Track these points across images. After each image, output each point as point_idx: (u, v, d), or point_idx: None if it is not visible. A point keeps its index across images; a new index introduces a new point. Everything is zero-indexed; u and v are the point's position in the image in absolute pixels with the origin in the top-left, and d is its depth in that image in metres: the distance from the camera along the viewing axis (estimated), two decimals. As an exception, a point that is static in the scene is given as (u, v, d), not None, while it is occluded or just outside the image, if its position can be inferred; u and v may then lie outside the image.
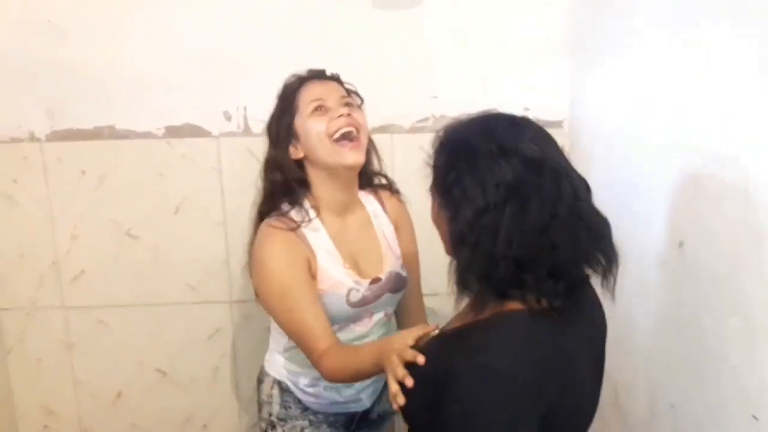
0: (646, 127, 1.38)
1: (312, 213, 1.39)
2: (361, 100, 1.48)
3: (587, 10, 1.70)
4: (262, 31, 1.79)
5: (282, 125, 1.38)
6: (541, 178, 0.90)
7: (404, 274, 1.49)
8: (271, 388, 1.49)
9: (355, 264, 1.42)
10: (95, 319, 1.95)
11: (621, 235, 1.50)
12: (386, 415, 1.60)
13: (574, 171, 0.98)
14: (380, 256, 1.46)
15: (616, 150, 1.54)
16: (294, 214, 1.38)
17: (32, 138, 1.84)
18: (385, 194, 1.55)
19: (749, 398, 1.03)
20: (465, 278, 0.93)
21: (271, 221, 1.37)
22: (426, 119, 1.85)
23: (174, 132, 1.83)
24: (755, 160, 0.99)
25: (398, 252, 1.50)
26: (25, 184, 1.86)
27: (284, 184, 1.39)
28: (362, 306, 1.41)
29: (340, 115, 1.33)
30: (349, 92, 1.44)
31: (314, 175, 1.39)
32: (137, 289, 1.93)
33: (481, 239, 0.90)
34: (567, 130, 1.85)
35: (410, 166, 1.81)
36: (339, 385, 1.44)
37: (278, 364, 1.50)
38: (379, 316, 1.47)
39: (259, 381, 1.54)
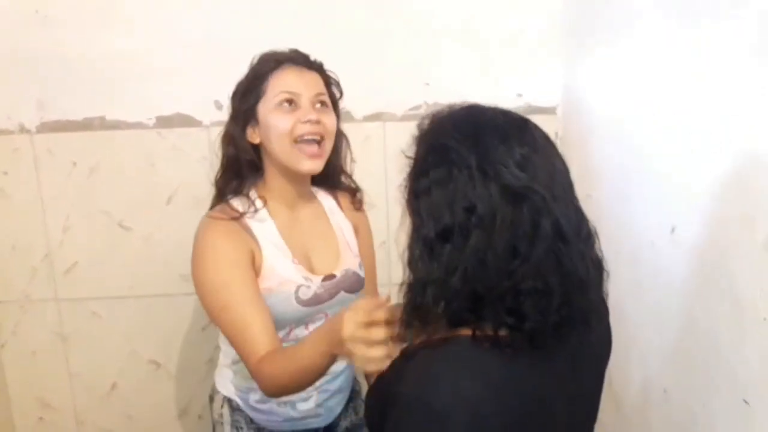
0: (638, 113, 1.37)
1: (259, 203, 1.27)
2: (340, 93, 1.36)
3: (580, -5, 1.69)
4: (252, 18, 1.77)
5: (244, 104, 1.25)
6: (519, 213, 0.78)
7: (362, 274, 1.37)
8: (221, 406, 1.38)
9: (306, 259, 1.29)
10: (89, 311, 1.94)
11: (613, 221, 1.50)
12: (354, 428, 1.46)
13: (572, 206, 0.87)
14: (336, 252, 1.34)
15: (609, 136, 1.53)
16: (237, 203, 1.26)
17: (22, 129, 1.82)
18: (343, 197, 1.44)
19: (740, 383, 1.02)
20: (417, 296, 0.83)
21: (211, 212, 1.26)
22: (419, 107, 1.83)
23: (164, 122, 1.82)
24: (748, 145, 0.98)
25: (356, 251, 1.39)
26: (16, 177, 1.85)
27: (237, 161, 1.28)
28: (315, 305, 1.28)
29: (308, 120, 1.21)
30: (328, 85, 1.32)
31: (267, 163, 1.28)
32: (130, 281, 1.92)
33: (439, 263, 0.80)
34: (560, 116, 1.83)
35: (402, 154, 1.83)
36: (294, 398, 1.30)
37: (227, 379, 1.38)
38: (333, 312, 1.30)
39: (210, 398, 1.43)
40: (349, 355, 0.90)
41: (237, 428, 1.35)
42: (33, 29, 1.76)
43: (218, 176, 1.33)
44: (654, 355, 1.34)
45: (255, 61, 1.30)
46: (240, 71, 1.76)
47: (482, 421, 0.78)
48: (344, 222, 1.41)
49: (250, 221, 1.25)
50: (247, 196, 1.27)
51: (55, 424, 2.03)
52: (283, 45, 1.76)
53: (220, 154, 1.35)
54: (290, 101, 1.23)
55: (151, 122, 1.83)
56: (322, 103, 1.27)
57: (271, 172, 1.28)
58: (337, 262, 1.34)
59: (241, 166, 1.27)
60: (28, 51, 1.77)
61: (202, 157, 1.84)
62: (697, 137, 1.13)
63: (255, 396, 1.33)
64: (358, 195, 1.44)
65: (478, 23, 1.80)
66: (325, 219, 1.38)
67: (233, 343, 1.18)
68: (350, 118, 1.81)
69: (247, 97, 1.25)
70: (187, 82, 1.80)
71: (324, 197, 1.41)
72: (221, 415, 1.38)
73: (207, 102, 1.82)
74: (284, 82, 1.23)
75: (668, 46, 1.23)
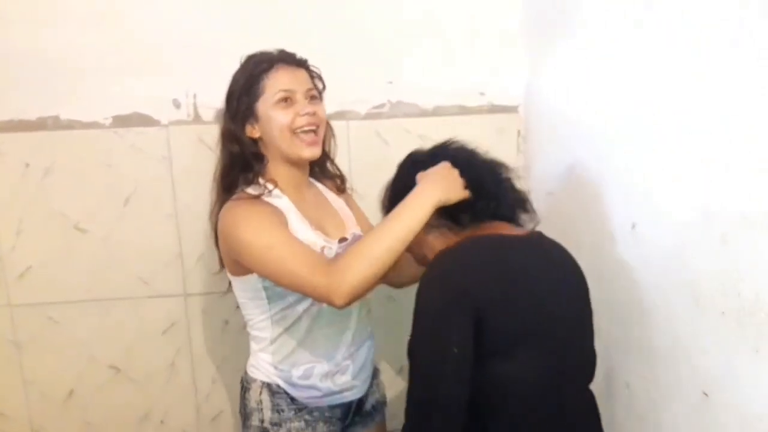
0: (599, 111, 1.39)
1: (270, 185, 1.37)
2: (324, 85, 1.47)
3: (540, -5, 1.70)
4: (211, 15, 1.74)
5: (243, 103, 1.36)
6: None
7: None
8: (260, 393, 1.42)
9: (321, 227, 1.40)
10: (44, 316, 1.88)
11: (575, 217, 1.52)
12: (378, 406, 1.58)
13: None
14: (341, 221, 1.48)
15: (570, 134, 1.55)
16: (252, 190, 1.36)
17: (-28, 129, 1.76)
18: (329, 183, 1.55)
19: (700, 376, 1.05)
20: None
21: (234, 197, 1.35)
22: (382, 105, 1.83)
23: (121, 121, 1.78)
24: (706, 141, 1.00)
25: (354, 221, 1.52)
26: (-34, 178, 1.79)
27: (242, 156, 1.37)
28: None
29: (306, 113, 1.34)
30: (314, 79, 1.43)
31: (269, 155, 1.39)
32: (87, 285, 1.87)
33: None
34: (522, 115, 1.85)
35: (366, 153, 1.83)
36: (333, 371, 1.41)
37: (265, 364, 1.42)
38: None
39: (244, 389, 1.46)
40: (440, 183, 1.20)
41: (278, 411, 1.40)
42: (-17, 26, 1.70)
43: (221, 173, 1.41)
44: (616, 349, 1.35)
45: (246, 63, 1.40)
46: (198, 69, 1.75)
47: (479, 284, 1.11)
48: (337, 200, 1.54)
49: (269, 199, 1.36)
50: (259, 183, 1.37)
51: (9, 433, 1.97)
52: (242, 43, 1.74)
53: (219, 152, 1.42)
54: (287, 98, 1.34)
55: (108, 122, 1.78)
56: (313, 96, 1.39)
57: (273, 162, 1.39)
58: (345, 228, 1.46)
59: (246, 160, 1.38)
60: (-23, 49, 1.72)
61: (162, 156, 1.80)
62: (656, 135, 1.15)
63: (297, 372, 1.40)
64: (343, 181, 1.55)
65: (440, 22, 1.80)
66: (323, 198, 1.51)
67: (290, 277, 1.22)
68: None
69: (245, 97, 1.36)
70: (145, 80, 1.76)
71: (314, 181, 1.52)
72: (260, 402, 1.41)
73: (165, 101, 1.78)
74: (281, 81, 1.35)
75: (629, 45, 1.25)
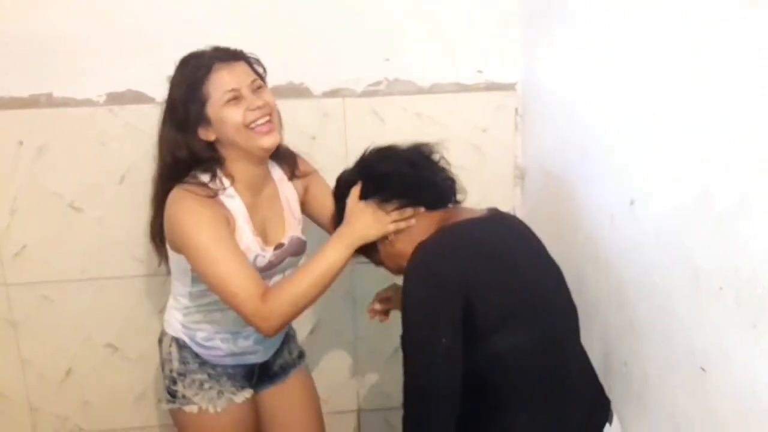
0: (596, 89, 1.38)
1: (227, 182, 1.39)
2: (264, 69, 1.46)
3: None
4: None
5: (192, 110, 1.35)
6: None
7: (304, 238, 1.54)
8: (170, 345, 1.52)
9: (262, 231, 1.45)
10: (40, 295, 1.88)
11: (573, 196, 1.51)
12: (288, 366, 1.65)
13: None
14: (282, 222, 1.50)
15: (568, 112, 1.54)
16: (205, 178, 1.38)
17: (-37, 107, 1.74)
18: (287, 164, 1.55)
19: (697, 351, 1.04)
20: None
21: (186, 186, 1.36)
22: (379, 83, 1.81)
23: (116, 99, 1.76)
24: (704, 119, 0.99)
25: (299, 216, 1.55)
26: (-42, 156, 1.77)
27: (190, 161, 1.38)
28: (267, 271, 1.44)
29: (256, 107, 1.35)
30: (253, 67, 1.42)
31: (227, 155, 1.40)
32: (83, 264, 1.86)
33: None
34: (520, 93, 1.83)
35: (362, 131, 1.81)
36: (235, 335, 1.49)
37: (176, 321, 1.51)
38: (277, 279, 1.48)
39: (159, 341, 1.57)
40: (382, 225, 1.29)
41: (184, 362, 1.50)
42: (-27, 2, 1.68)
43: (164, 176, 1.41)
44: (614, 327, 1.36)
45: (182, 68, 1.39)
46: (191, 45, 1.71)
47: (465, 268, 1.17)
48: (290, 190, 1.55)
49: (221, 196, 1.38)
50: (216, 175, 1.38)
51: (7, 412, 1.97)
52: (236, 18, 1.73)
53: (158, 156, 1.42)
54: (235, 97, 1.34)
55: (102, 99, 1.76)
56: (258, 86, 1.39)
57: (232, 160, 1.40)
58: (284, 231, 1.49)
59: (197, 163, 1.38)
60: (-32, 25, 1.70)
61: (156, 134, 1.78)
62: (654, 112, 1.14)
63: (201, 334, 1.49)
64: (293, 165, 1.56)
65: (439, 0, 1.77)
66: (276, 196, 1.52)
67: (226, 293, 1.29)
68: (309, 94, 1.79)
69: (192, 103, 1.35)
70: (138, 57, 1.74)
71: (273, 167, 1.53)
72: (169, 353, 1.52)
73: (159, 78, 1.73)
74: (223, 82, 1.34)
75: (624, 24, 1.23)
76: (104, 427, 2.01)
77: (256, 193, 1.45)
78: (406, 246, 1.27)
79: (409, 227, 1.30)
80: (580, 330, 1.33)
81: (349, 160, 1.64)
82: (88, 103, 1.76)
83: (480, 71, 1.82)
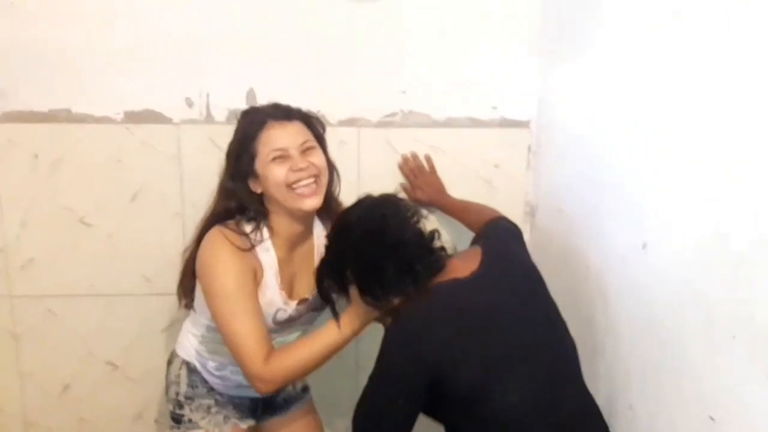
0: (612, 128, 1.39)
1: (266, 233, 1.43)
2: (323, 128, 1.49)
3: (558, 11, 1.71)
4: (227, 16, 1.74)
5: (242, 163, 1.40)
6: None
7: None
8: (180, 368, 1.54)
9: (289, 286, 1.47)
10: (44, 308, 1.87)
11: (584, 235, 1.51)
12: (291, 398, 1.68)
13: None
14: (311, 277, 1.47)
15: (582, 151, 1.55)
16: (249, 231, 1.41)
17: (-18, 118, 1.76)
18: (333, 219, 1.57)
19: (707, 399, 1.04)
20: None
21: (225, 231, 1.39)
22: (394, 114, 1.83)
23: (133, 118, 1.78)
24: (722, 162, 1.00)
25: None
26: (-27, 167, 1.78)
27: (238, 211, 1.43)
28: (286, 324, 1.49)
29: (299, 169, 1.37)
30: (311, 126, 1.45)
31: (272, 209, 1.43)
32: (89, 279, 1.86)
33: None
34: (534, 130, 1.85)
35: (376, 161, 1.83)
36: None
37: (190, 346, 1.54)
38: (295, 334, 1.54)
39: (169, 362, 1.59)
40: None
41: (192, 387, 1.52)
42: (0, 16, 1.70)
43: (209, 220, 1.44)
44: (621, 370, 1.35)
45: (240, 120, 1.45)
46: (212, 69, 1.76)
47: (441, 334, 1.22)
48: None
49: (257, 248, 1.41)
50: (258, 226, 1.42)
51: (2, 426, 1.95)
52: (256, 46, 1.75)
53: (214, 201, 1.47)
54: (280, 156, 1.37)
55: (119, 117, 1.78)
56: (308, 147, 1.41)
57: (275, 215, 1.43)
58: (310, 286, 1.47)
59: (243, 212, 1.43)
60: (-8, 38, 1.72)
61: (172, 155, 1.80)
62: (670, 154, 1.14)
63: (213, 364, 1.52)
64: None
65: (456, 35, 1.80)
66: (311, 249, 1.53)
67: (234, 348, 1.33)
68: (325, 122, 1.79)
69: (242, 157, 1.40)
70: (158, 77, 1.76)
71: (316, 222, 1.55)
72: (178, 376, 1.54)
73: (178, 99, 1.78)
74: (272, 140, 1.38)
75: (643, 62, 1.25)
76: (99, 445, 1.99)
77: (292, 248, 1.47)
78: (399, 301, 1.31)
79: None
80: (583, 369, 1.32)
81: (362, 188, 1.65)
82: (105, 120, 1.77)
83: (495, 107, 1.84)
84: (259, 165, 1.39)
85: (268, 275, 1.42)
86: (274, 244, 1.43)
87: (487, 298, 1.27)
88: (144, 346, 1.91)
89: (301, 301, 1.49)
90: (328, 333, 1.33)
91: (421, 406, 1.25)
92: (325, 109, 1.79)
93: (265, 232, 1.42)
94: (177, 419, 1.51)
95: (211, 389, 1.53)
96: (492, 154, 1.87)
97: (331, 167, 1.48)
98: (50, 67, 1.74)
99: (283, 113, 1.42)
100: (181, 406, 1.51)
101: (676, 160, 1.12)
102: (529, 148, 1.86)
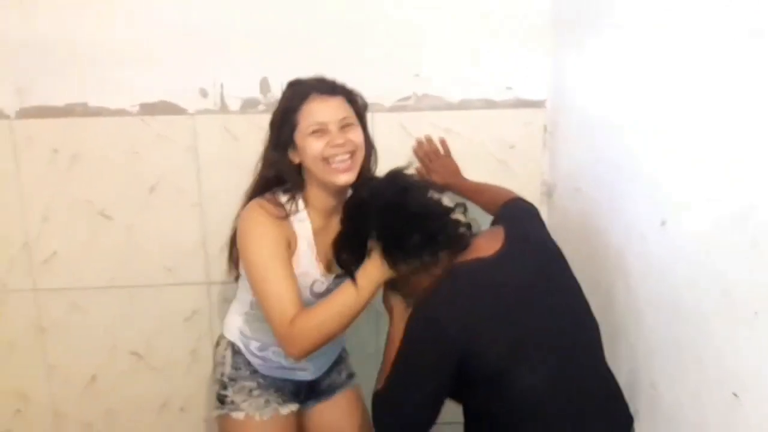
0: (629, 107, 1.37)
1: (301, 204, 1.45)
2: (365, 104, 1.50)
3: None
4: (240, 5, 1.74)
5: (284, 132, 1.42)
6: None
7: None
8: (225, 349, 1.56)
9: (326, 258, 1.47)
10: (68, 301, 1.91)
11: (603, 214, 1.50)
12: (336, 386, 1.68)
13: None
14: None
15: (598, 130, 1.53)
16: (285, 201, 1.43)
17: (1, 115, 1.78)
18: None
19: (730, 376, 1.03)
20: None
21: (261, 201, 1.42)
22: (408, 98, 1.82)
23: (148, 109, 1.79)
24: (737, 140, 0.98)
25: None
26: (-6, 163, 1.81)
27: (276, 180, 1.45)
28: (323, 296, 1.46)
29: (336, 144, 1.39)
30: (353, 102, 1.46)
31: (308, 180, 1.45)
32: (111, 271, 1.89)
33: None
34: (549, 110, 1.83)
35: (391, 146, 1.82)
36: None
37: (234, 326, 1.56)
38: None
39: (216, 344, 1.61)
40: None
41: (236, 368, 1.54)
42: (14, 13, 1.72)
43: (253, 190, 1.48)
44: (642, 347, 1.34)
45: (285, 91, 1.46)
46: (226, 59, 1.76)
47: (468, 319, 1.19)
48: None
49: (292, 218, 1.44)
50: (294, 197, 1.45)
51: (32, 416, 1.99)
52: (269, 35, 1.75)
53: (257, 171, 1.48)
54: (319, 130, 1.39)
55: (135, 109, 1.79)
56: (347, 124, 1.42)
57: (311, 186, 1.45)
58: None
59: (282, 183, 1.45)
60: (8, 36, 1.74)
61: (187, 146, 1.81)
62: (689, 131, 1.13)
63: (255, 344, 1.53)
64: None
65: (469, 17, 1.78)
66: None
67: (266, 311, 1.35)
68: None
69: (284, 127, 1.42)
70: (172, 68, 1.77)
71: None
72: (224, 357, 1.56)
73: (192, 90, 1.79)
74: (314, 113, 1.40)
75: (659, 39, 1.23)
76: (127, 434, 2.02)
77: (327, 221, 1.48)
78: (422, 279, 1.30)
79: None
80: (605, 348, 1.32)
81: (376, 174, 1.65)
82: (121, 113, 1.79)
83: (509, 88, 1.82)
84: (299, 136, 1.41)
85: (302, 245, 1.43)
86: (309, 215, 1.45)
87: (513, 277, 1.25)
88: (167, 336, 1.93)
89: (339, 275, 1.47)
90: (345, 292, 1.32)
91: (450, 391, 1.24)
92: (339, 94, 1.79)
93: (301, 203, 1.45)
94: (221, 399, 1.53)
95: (254, 371, 1.54)
96: (507, 135, 1.86)
97: (369, 145, 1.49)
98: (65, 61, 1.76)
99: (327, 87, 1.44)
100: (225, 386, 1.53)
101: (696, 137, 1.11)
102: (545, 128, 1.85)
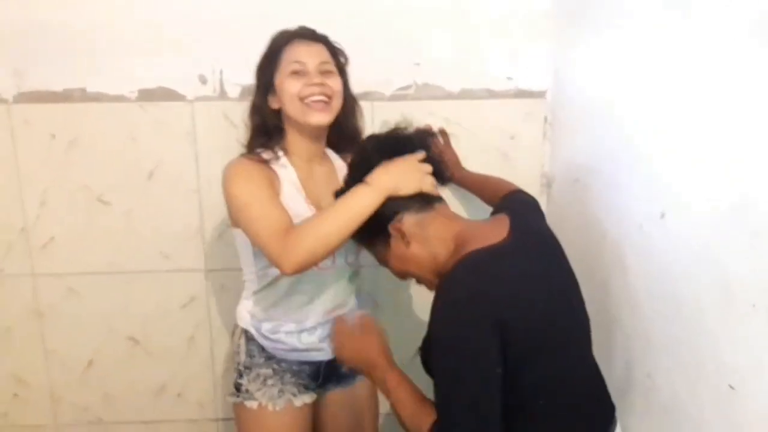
0: (630, 98, 1.37)
1: (281, 153, 1.47)
2: (346, 60, 1.51)
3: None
4: (239, -8, 1.73)
5: (265, 76, 1.45)
6: None
7: None
8: (239, 337, 1.54)
9: (317, 203, 1.46)
10: (66, 286, 1.90)
11: (602, 205, 1.50)
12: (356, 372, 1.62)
13: None
14: None
15: (599, 121, 1.53)
16: (263, 154, 1.45)
17: (-2, 99, 1.77)
18: None
19: (726, 368, 1.03)
20: None
21: (240, 157, 1.44)
22: (408, 87, 1.81)
23: (147, 95, 1.78)
24: (737, 132, 0.98)
25: None
26: (-9, 147, 1.80)
27: (263, 128, 1.47)
28: None
29: (314, 84, 1.40)
30: (334, 55, 1.48)
31: (287, 126, 1.47)
32: (109, 257, 1.88)
33: None
34: (549, 101, 1.82)
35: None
36: (300, 326, 1.49)
37: (245, 310, 1.54)
38: (341, 260, 1.51)
39: (232, 334, 1.60)
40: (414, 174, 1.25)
41: (250, 356, 1.52)
42: (13, -3, 1.71)
43: (248, 143, 1.50)
44: (639, 340, 1.34)
45: (271, 39, 1.47)
46: (225, 45, 1.75)
47: (493, 298, 1.09)
48: None
49: (273, 165, 1.45)
50: (273, 149, 1.46)
51: (29, 401, 2.00)
52: (269, 21, 1.73)
53: (249, 124, 1.49)
54: (299, 70, 1.41)
55: (134, 95, 1.78)
56: (327, 70, 1.44)
57: (290, 133, 1.47)
58: None
59: (268, 131, 1.47)
60: (6, 19, 1.72)
61: (186, 132, 1.80)
62: (690, 124, 1.13)
63: (267, 325, 1.51)
64: None
65: (469, 4, 1.77)
66: (334, 175, 1.54)
67: (254, 234, 1.32)
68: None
69: (266, 70, 1.45)
70: (171, 55, 1.76)
71: (336, 158, 1.58)
72: (239, 346, 1.54)
73: (191, 76, 1.78)
74: (294, 54, 1.43)
75: (661, 31, 1.23)
76: (124, 419, 2.03)
77: (311, 167, 1.50)
78: (419, 249, 1.24)
79: (424, 229, 1.24)
80: (600, 339, 1.32)
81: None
82: (120, 98, 1.78)
83: (510, 78, 1.82)
84: (278, 78, 1.43)
85: (287, 187, 1.43)
86: (290, 161, 1.47)
87: (530, 264, 1.18)
88: (164, 321, 1.93)
89: None
90: (353, 198, 1.25)
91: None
92: (338, 83, 1.78)
93: (280, 152, 1.46)
94: (237, 387, 1.52)
95: (269, 358, 1.51)
96: (508, 125, 1.85)
97: (351, 99, 1.51)
98: (64, 46, 1.74)
99: (309, 33, 1.47)
100: (241, 375, 1.52)
101: (696, 129, 1.11)
102: (545, 119, 1.84)
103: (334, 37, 1.55)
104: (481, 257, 1.15)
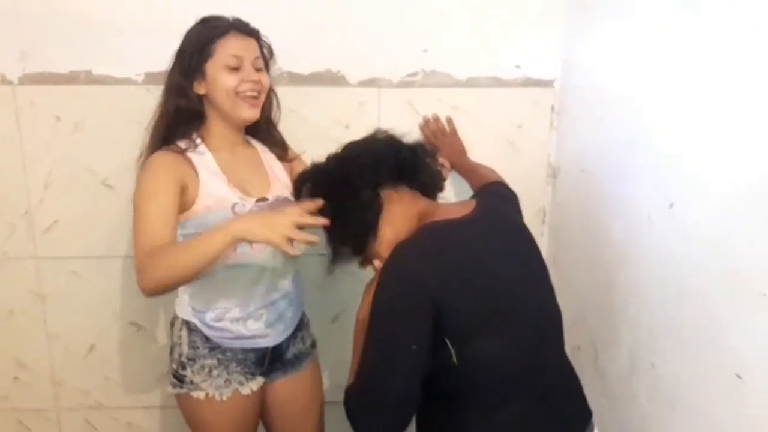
0: (639, 87, 1.36)
1: (198, 140, 1.49)
2: (271, 55, 1.58)
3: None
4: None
5: (195, 61, 1.46)
6: None
7: (293, 200, 1.50)
8: (180, 329, 1.54)
9: (241, 186, 1.49)
10: (68, 270, 1.90)
11: (608, 195, 1.49)
12: (302, 355, 1.66)
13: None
14: (267, 182, 1.55)
15: (608, 110, 1.52)
16: (182, 144, 1.47)
17: (4, 80, 1.76)
18: (273, 148, 1.64)
19: (734, 357, 1.03)
20: None
21: (163, 148, 1.46)
22: (415, 74, 1.80)
23: (153, 78, 1.76)
24: (747, 120, 0.97)
25: (287, 181, 1.60)
26: (-4, 129, 1.79)
27: (185, 111, 1.48)
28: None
29: (251, 80, 1.46)
30: (262, 49, 1.53)
31: (210, 111, 1.50)
32: (112, 241, 1.88)
33: None
34: (558, 90, 1.81)
35: (397, 122, 1.79)
36: (245, 317, 1.51)
37: (185, 303, 1.54)
38: None
39: (171, 324, 1.60)
40: (270, 238, 1.21)
41: (194, 347, 1.52)
42: (18, -22, 1.69)
43: (161, 125, 1.50)
44: (644, 329, 1.34)
45: (201, 24, 1.49)
46: None
47: (433, 274, 1.12)
48: (275, 162, 1.63)
49: (191, 154, 1.46)
50: (191, 138, 1.49)
51: (30, 384, 2.00)
52: (277, 3, 1.73)
53: (161, 104, 1.50)
54: (235, 66, 1.45)
55: (140, 78, 1.77)
56: (259, 67, 1.50)
57: (213, 119, 1.50)
58: (269, 189, 1.54)
59: (189, 115, 1.48)
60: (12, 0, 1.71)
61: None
62: (699, 113, 1.12)
63: (211, 315, 1.51)
64: (284, 149, 1.66)
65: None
66: (257, 158, 1.60)
67: (136, 239, 1.34)
68: (345, 82, 1.78)
69: (197, 55, 1.46)
70: (177, 37, 1.73)
71: (257, 143, 1.63)
72: (180, 337, 1.54)
73: (198, 60, 1.76)
74: (232, 47, 1.45)
75: (670, 20, 1.22)
76: (125, 404, 2.03)
77: (231, 152, 1.52)
78: (384, 230, 1.25)
79: (391, 209, 1.26)
80: (604, 329, 1.31)
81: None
82: (126, 81, 1.77)
83: (518, 66, 1.81)
84: (211, 67, 1.45)
85: (204, 174, 1.44)
86: (209, 148, 1.49)
87: (482, 241, 1.21)
88: (166, 306, 1.92)
89: (261, 199, 1.50)
90: (210, 238, 1.25)
91: (429, 351, 1.13)
92: (345, 68, 1.77)
93: (198, 139, 1.48)
94: (180, 379, 1.52)
95: (213, 348, 1.51)
96: (515, 114, 1.84)
97: (271, 91, 1.57)
98: (70, 28, 1.73)
99: (246, 28, 1.50)
100: (183, 366, 1.51)
101: (706, 117, 1.10)
102: (553, 108, 1.83)
103: (341, 24, 1.55)
104: (438, 226, 1.21)
